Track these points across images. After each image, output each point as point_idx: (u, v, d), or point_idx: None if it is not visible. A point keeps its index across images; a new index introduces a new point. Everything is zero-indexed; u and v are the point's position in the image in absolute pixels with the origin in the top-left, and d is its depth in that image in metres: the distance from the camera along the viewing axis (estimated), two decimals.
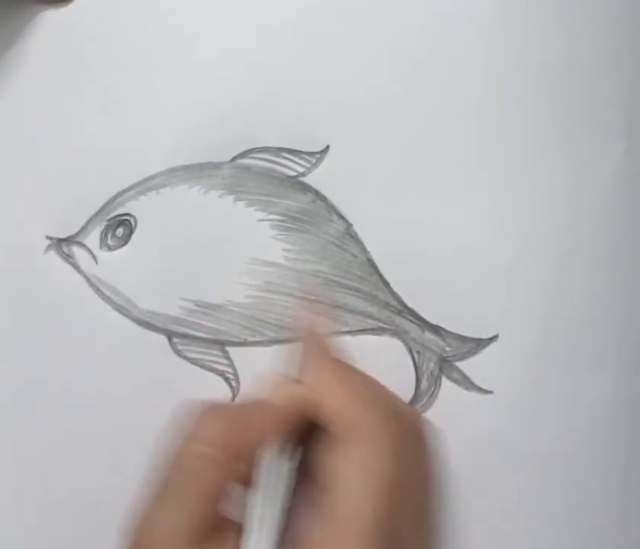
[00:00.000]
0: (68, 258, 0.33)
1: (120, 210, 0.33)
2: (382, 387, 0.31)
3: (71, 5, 0.32)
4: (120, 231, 0.33)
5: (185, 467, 0.26)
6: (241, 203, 0.32)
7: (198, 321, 0.32)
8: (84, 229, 0.33)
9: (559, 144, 0.32)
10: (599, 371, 0.32)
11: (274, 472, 0.28)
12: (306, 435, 0.29)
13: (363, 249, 0.32)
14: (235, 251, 0.32)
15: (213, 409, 0.28)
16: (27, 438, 0.33)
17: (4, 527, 0.33)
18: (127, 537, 0.26)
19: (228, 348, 0.32)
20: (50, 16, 0.32)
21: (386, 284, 0.32)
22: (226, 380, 0.32)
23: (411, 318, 0.32)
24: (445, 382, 0.32)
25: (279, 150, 0.32)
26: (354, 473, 0.26)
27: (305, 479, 0.29)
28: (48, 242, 0.33)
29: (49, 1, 0.32)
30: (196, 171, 0.32)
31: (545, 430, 0.32)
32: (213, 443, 0.26)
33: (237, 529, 0.27)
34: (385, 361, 0.32)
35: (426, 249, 0.32)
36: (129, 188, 0.33)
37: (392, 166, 0.32)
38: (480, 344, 0.32)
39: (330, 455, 0.27)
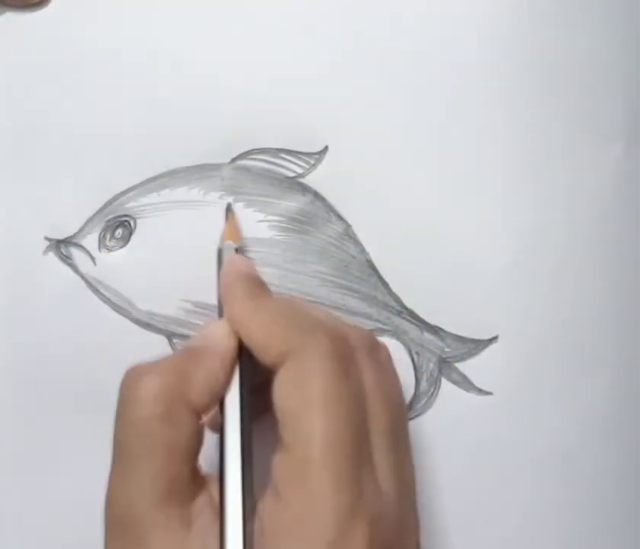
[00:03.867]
0: (67, 260, 0.33)
1: (120, 212, 0.33)
2: (312, 308, 0.29)
3: (74, 4, 0.32)
4: (119, 232, 0.33)
5: (136, 432, 0.25)
6: (240, 205, 0.32)
7: (198, 322, 0.32)
8: (82, 230, 0.33)
9: (559, 144, 0.32)
10: (598, 372, 0.32)
11: (229, 414, 0.26)
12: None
13: (362, 250, 0.32)
14: None
15: (146, 368, 0.26)
16: (26, 439, 0.33)
17: (4, 527, 0.33)
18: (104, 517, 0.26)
19: None
20: (50, 15, 0.32)
21: (385, 284, 0.32)
22: None
23: (410, 319, 0.32)
24: (444, 383, 0.32)
25: (278, 151, 0.32)
26: (293, 396, 0.24)
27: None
28: (46, 243, 0.33)
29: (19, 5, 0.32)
30: (196, 173, 0.32)
31: (544, 431, 0.32)
32: (159, 400, 0.25)
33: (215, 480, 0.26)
34: None
35: (425, 250, 0.32)
36: (129, 190, 0.33)
37: (391, 167, 0.32)
38: (479, 345, 0.32)
39: (272, 385, 0.25)
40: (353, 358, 0.26)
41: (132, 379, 0.26)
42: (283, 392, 0.25)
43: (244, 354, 0.27)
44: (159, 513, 0.24)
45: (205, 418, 0.26)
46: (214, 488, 0.26)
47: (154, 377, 0.26)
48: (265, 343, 0.26)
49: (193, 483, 0.26)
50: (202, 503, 0.25)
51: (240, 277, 0.29)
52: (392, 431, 0.26)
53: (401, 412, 0.28)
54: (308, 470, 0.23)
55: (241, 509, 0.25)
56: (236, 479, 0.25)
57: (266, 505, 0.24)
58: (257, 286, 0.29)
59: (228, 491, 0.25)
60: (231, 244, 0.31)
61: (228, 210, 0.32)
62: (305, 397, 0.24)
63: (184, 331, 0.32)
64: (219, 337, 0.27)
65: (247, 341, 0.27)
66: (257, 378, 0.27)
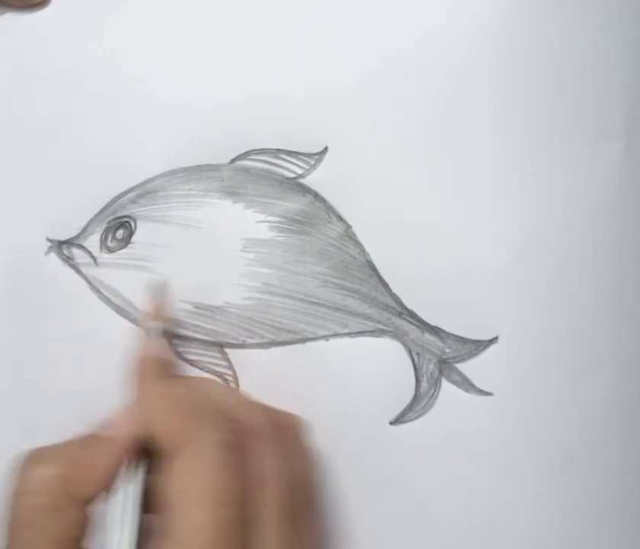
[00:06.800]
0: (69, 260, 0.33)
1: (120, 212, 0.33)
2: (217, 393, 0.30)
3: (74, 4, 0.33)
4: (120, 233, 0.33)
5: (27, 521, 0.26)
6: (240, 205, 0.33)
7: (197, 323, 0.32)
8: (84, 231, 0.33)
9: (559, 145, 0.32)
10: (598, 372, 0.32)
11: (122, 504, 0.27)
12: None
13: (363, 251, 0.32)
14: (234, 252, 0.32)
15: (40, 456, 0.27)
16: (26, 440, 0.33)
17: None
18: None
19: (227, 350, 0.32)
20: (50, 15, 0.33)
21: (386, 285, 0.32)
22: (225, 381, 0.32)
23: (410, 319, 0.32)
24: (445, 384, 0.32)
25: (278, 151, 0.32)
26: (183, 488, 0.25)
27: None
28: (48, 244, 0.33)
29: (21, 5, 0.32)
30: (196, 173, 0.33)
31: (544, 431, 0.32)
32: (47, 493, 0.26)
33: None
34: (385, 363, 0.32)
35: (425, 250, 0.32)
36: (129, 190, 0.33)
37: (391, 167, 0.32)
38: (480, 345, 0.32)
39: (163, 476, 0.26)
40: (247, 447, 0.27)
41: (26, 466, 0.27)
42: (172, 483, 0.26)
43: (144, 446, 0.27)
44: None
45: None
46: None
47: (45, 468, 0.27)
48: (163, 431, 0.27)
49: None
50: None
51: (152, 360, 0.30)
52: (288, 509, 0.27)
53: (303, 491, 0.28)
54: None
55: None
56: None
57: None
58: (169, 370, 0.30)
59: None
60: (158, 325, 0.31)
61: (156, 288, 0.32)
62: (190, 490, 0.25)
63: (184, 332, 0.32)
64: (118, 424, 0.28)
65: (150, 427, 0.27)
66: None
